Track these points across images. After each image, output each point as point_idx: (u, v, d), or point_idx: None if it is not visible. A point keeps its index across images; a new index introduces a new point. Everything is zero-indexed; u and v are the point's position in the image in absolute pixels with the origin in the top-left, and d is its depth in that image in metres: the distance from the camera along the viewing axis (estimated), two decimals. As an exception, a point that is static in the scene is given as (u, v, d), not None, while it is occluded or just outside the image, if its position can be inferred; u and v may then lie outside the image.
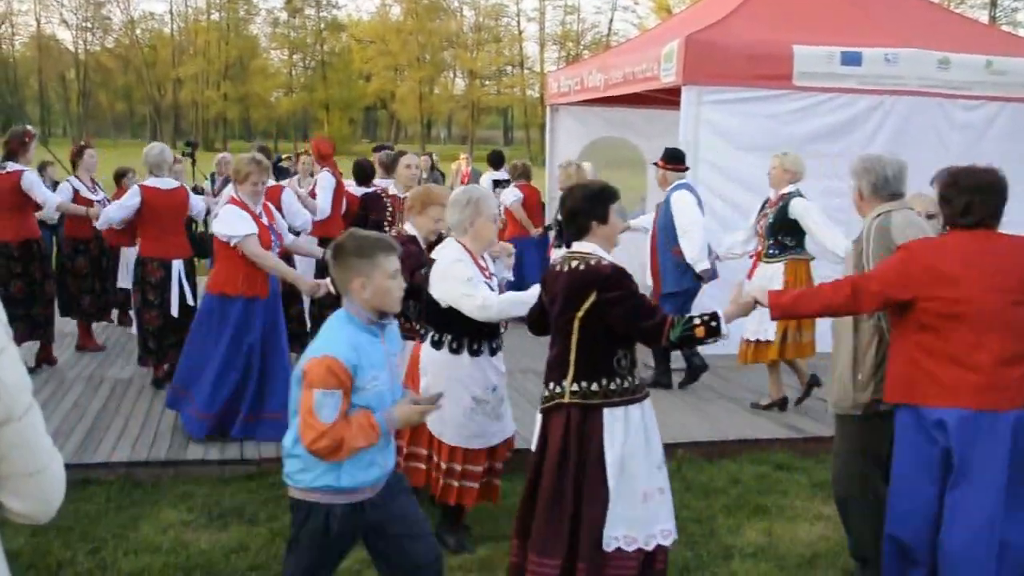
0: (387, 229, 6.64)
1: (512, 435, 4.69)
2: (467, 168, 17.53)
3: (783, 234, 6.74)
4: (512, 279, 5.05)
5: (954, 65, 8.57)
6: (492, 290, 4.34)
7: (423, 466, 4.50)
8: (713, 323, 3.54)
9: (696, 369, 7.39)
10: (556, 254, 8.84)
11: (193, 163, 10.16)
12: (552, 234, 9.22)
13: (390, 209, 6.69)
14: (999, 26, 44.20)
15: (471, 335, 4.38)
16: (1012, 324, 3.54)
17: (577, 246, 3.72)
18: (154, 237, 7.12)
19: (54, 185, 9.06)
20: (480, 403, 4.39)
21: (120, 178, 9.37)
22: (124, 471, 5.55)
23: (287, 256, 6.57)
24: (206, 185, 11.24)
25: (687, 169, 7.45)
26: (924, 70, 8.50)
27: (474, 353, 4.40)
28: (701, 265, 6.98)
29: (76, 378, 7.50)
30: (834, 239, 6.48)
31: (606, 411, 3.59)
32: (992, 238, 3.64)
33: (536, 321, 4.03)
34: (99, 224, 7.64)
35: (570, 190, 3.82)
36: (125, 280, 9.31)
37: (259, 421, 5.98)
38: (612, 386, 3.60)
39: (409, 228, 4.97)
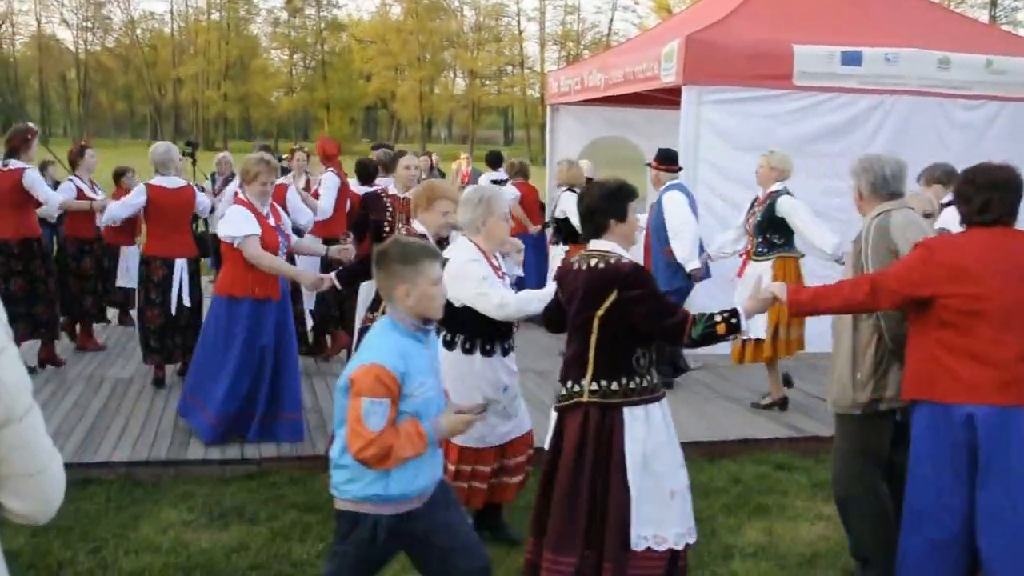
0: (387, 229, 6.62)
1: (529, 431, 4.63)
2: (467, 168, 17.55)
3: (771, 232, 6.78)
4: (522, 274, 5.04)
5: (954, 65, 8.56)
6: (506, 288, 4.32)
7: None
8: (733, 320, 3.53)
9: (680, 370, 7.49)
10: (555, 252, 8.89)
11: (194, 163, 10.15)
12: (550, 231, 9.23)
13: (390, 209, 6.68)
14: (999, 26, 44.16)
15: (484, 335, 4.35)
16: None
17: (595, 244, 3.69)
18: (159, 236, 7.12)
19: (55, 185, 9.06)
20: (490, 403, 4.36)
21: (119, 177, 9.39)
22: (124, 471, 5.55)
23: (290, 255, 6.55)
24: (207, 185, 11.24)
25: (680, 169, 7.48)
26: (924, 70, 8.50)
27: (486, 353, 4.37)
28: (691, 264, 7.00)
29: (76, 378, 7.50)
30: (822, 236, 6.52)
31: (626, 410, 3.57)
32: (1010, 235, 3.63)
33: (552, 318, 4.01)
34: (103, 219, 7.66)
35: (587, 188, 3.80)
36: (124, 280, 9.32)
37: (276, 422, 5.96)
38: (632, 385, 3.59)
39: (418, 226, 4.91)
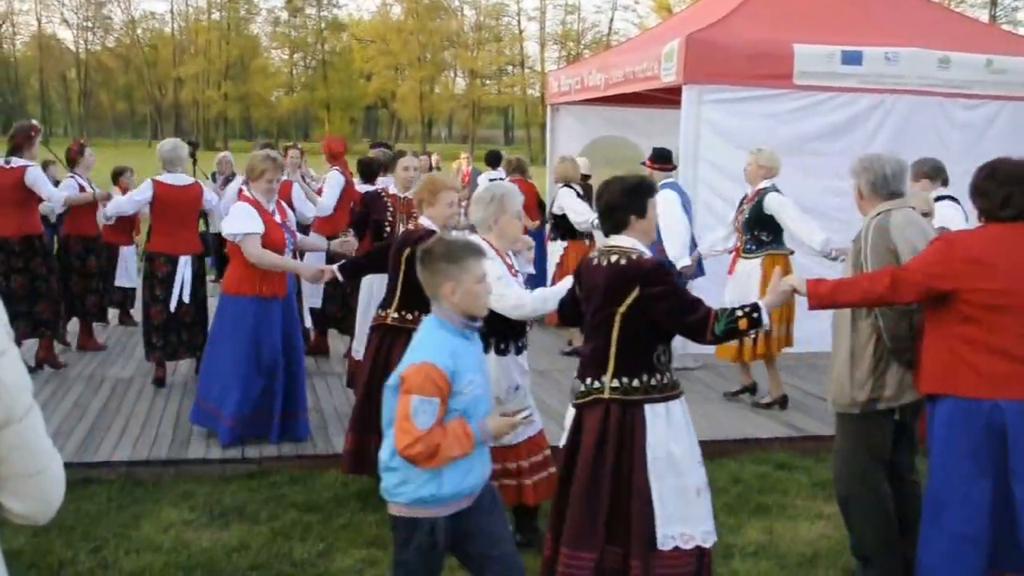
0: (388, 229, 6.61)
1: (540, 430, 4.58)
2: (467, 168, 17.56)
3: (759, 229, 6.82)
4: (533, 272, 5.02)
5: (954, 64, 8.56)
6: (520, 287, 4.28)
7: None
8: (755, 314, 3.51)
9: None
10: (553, 248, 8.89)
11: (194, 163, 10.16)
12: (548, 227, 9.23)
13: (391, 208, 6.67)
14: (999, 25, 44.20)
15: (498, 334, 4.31)
16: None
17: (615, 240, 3.66)
18: (164, 232, 7.13)
19: (56, 184, 9.05)
20: (500, 404, 4.33)
21: (117, 177, 9.39)
22: (125, 470, 5.56)
23: (296, 253, 6.54)
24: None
25: (674, 168, 7.52)
26: (924, 69, 8.50)
27: (501, 352, 4.34)
28: (682, 262, 7.03)
29: (77, 377, 7.51)
30: (810, 232, 6.55)
31: (647, 407, 3.55)
32: None
33: (567, 312, 3.98)
34: (108, 211, 7.66)
35: (607, 184, 3.76)
36: (123, 279, 9.33)
37: (295, 420, 5.97)
38: (652, 382, 3.57)
39: (425, 221, 4.88)
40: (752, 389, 7.19)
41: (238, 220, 5.69)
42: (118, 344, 8.77)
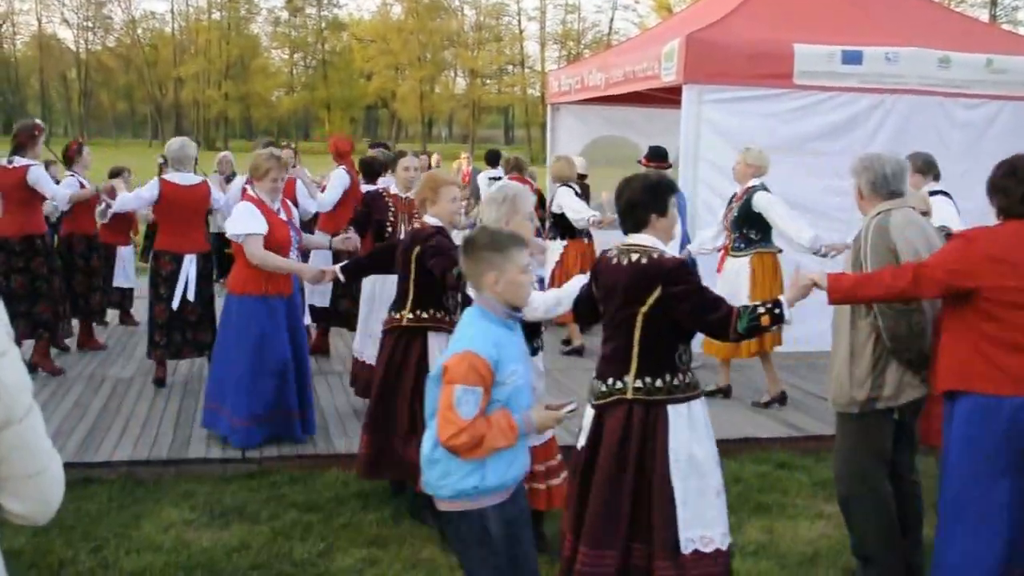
0: (390, 229, 6.59)
1: (551, 435, 4.51)
2: (467, 167, 17.58)
3: (747, 228, 6.86)
4: (542, 275, 4.99)
5: (955, 64, 8.56)
6: (533, 289, 4.26)
7: None
8: (777, 310, 3.48)
9: None
10: (552, 247, 8.88)
11: (195, 162, 10.17)
12: (547, 227, 9.23)
13: (392, 209, 6.64)
14: (999, 25, 44.19)
15: None
16: None
17: (635, 238, 3.62)
18: (170, 231, 7.13)
19: (57, 183, 9.05)
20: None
21: (114, 177, 9.36)
22: (126, 470, 5.56)
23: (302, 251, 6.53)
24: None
25: (669, 166, 7.55)
26: (925, 69, 8.50)
27: None
28: None
29: (77, 377, 7.51)
30: (798, 230, 6.58)
31: (670, 408, 3.52)
32: None
33: (583, 311, 3.94)
34: (115, 207, 7.65)
35: (628, 181, 3.72)
36: (121, 280, 9.33)
37: (307, 418, 5.98)
38: (675, 382, 3.53)
39: (430, 219, 4.85)
40: (727, 392, 7.20)
41: (241, 220, 5.66)
42: (118, 344, 8.77)
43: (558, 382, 7.39)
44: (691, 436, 3.52)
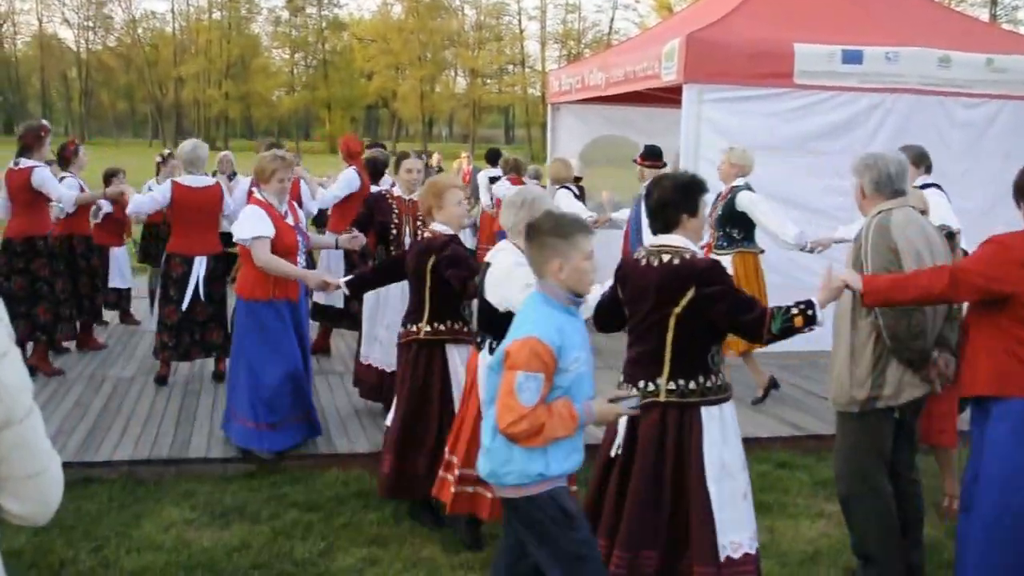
0: (394, 231, 6.52)
1: None
2: (468, 167, 17.58)
3: (731, 226, 6.94)
4: None
5: (955, 63, 8.56)
6: None
7: (489, 495, 4.23)
8: (810, 311, 3.46)
9: None
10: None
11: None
12: None
13: (396, 211, 6.57)
14: (1000, 24, 44.18)
15: None
16: None
17: (664, 239, 3.59)
18: (182, 233, 7.12)
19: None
20: None
21: (109, 178, 9.35)
22: (126, 469, 5.56)
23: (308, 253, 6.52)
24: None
25: (664, 165, 7.56)
26: (925, 68, 8.50)
27: None
28: None
29: (78, 377, 7.51)
30: (782, 227, 6.65)
31: (703, 410, 3.50)
32: None
33: (604, 318, 3.89)
34: (129, 210, 7.67)
35: (658, 181, 3.69)
36: (117, 280, 9.34)
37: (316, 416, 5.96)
38: (708, 383, 3.51)
39: (439, 227, 4.78)
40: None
41: (248, 223, 5.57)
42: (119, 344, 8.78)
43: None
44: (723, 438, 3.51)
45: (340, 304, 8.03)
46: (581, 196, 9.34)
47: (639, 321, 3.60)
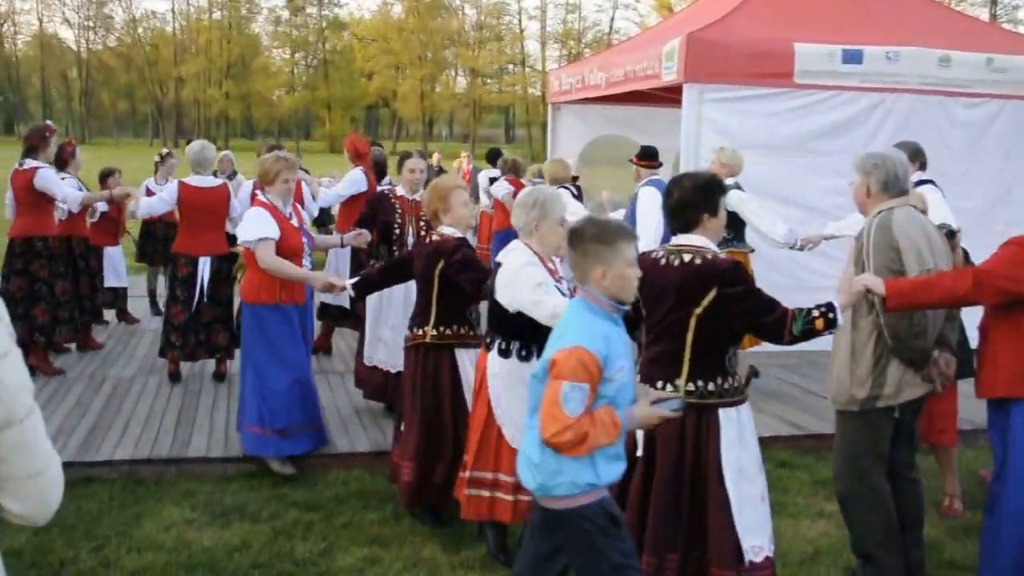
0: (397, 231, 6.51)
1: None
2: (468, 166, 17.57)
3: None
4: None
5: (955, 63, 8.56)
6: (563, 294, 4.08)
7: (509, 498, 4.23)
8: (831, 314, 3.44)
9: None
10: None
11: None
12: None
13: (399, 211, 6.55)
14: (1000, 24, 44.17)
15: (540, 341, 4.04)
16: None
17: (684, 239, 3.55)
18: (188, 234, 7.13)
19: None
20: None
21: (105, 178, 9.34)
22: (127, 469, 5.56)
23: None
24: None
25: (659, 165, 7.59)
26: (925, 68, 8.50)
27: (523, 359, 4.19)
28: None
29: (78, 377, 7.51)
30: (771, 225, 6.68)
31: (721, 411, 3.47)
32: None
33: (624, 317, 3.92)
34: (139, 213, 7.68)
35: (677, 181, 3.66)
36: (112, 279, 9.34)
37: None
38: (726, 385, 3.49)
39: (447, 230, 4.73)
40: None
41: (252, 226, 5.50)
42: (119, 343, 8.78)
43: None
44: (740, 440, 3.49)
45: (346, 304, 8.03)
46: (579, 196, 9.35)
47: (658, 321, 3.57)
